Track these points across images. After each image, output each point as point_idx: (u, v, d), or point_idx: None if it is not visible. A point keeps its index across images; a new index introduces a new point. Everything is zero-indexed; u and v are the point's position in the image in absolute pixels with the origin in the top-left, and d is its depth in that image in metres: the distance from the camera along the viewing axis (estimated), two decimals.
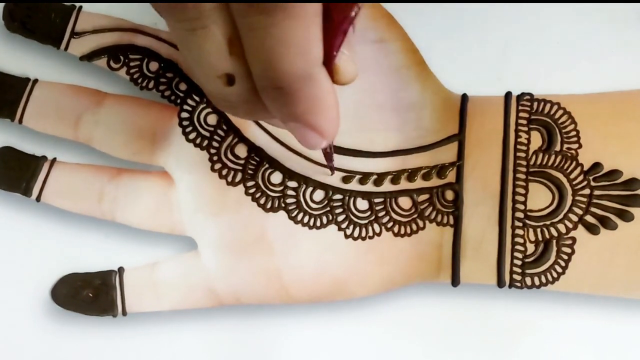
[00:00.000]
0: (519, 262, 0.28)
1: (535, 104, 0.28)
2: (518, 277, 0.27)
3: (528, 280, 0.27)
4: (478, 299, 0.29)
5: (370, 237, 0.28)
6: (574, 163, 0.28)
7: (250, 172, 0.29)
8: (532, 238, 0.28)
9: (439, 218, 0.28)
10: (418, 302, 0.29)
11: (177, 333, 0.30)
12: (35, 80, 0.31)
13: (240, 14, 0.18)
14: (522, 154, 0.28)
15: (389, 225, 0.28)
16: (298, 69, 0.19)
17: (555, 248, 0.27)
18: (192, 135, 0.29)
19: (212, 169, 0.29)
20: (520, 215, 0.28)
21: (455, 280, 0.28)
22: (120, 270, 0.29)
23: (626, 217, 0.27)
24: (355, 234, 0.28)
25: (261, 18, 0.18)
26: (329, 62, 0.19)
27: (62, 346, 0.30)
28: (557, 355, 0.29)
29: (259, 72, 0.19)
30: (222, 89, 0.21)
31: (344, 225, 0.28)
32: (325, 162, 0.28)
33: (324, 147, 0.21)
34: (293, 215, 0.28)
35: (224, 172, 0.29)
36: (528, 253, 0.28)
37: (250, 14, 0.18)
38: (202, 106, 0.29)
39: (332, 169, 0.28)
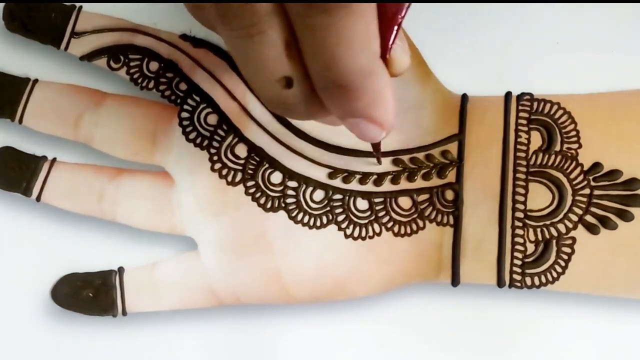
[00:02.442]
0: (519, 262, 0.27)
1: (535, 104, 0.28)
2: (518, 277, 0.27)
3: (528, 280, 0.27)
4: (478, 299, 0.29)
5: (370, 237, 0.28)
6: (574, 163, 0.28)
7: (250, 172, 0.29)
8: (532, 238, 0.28)
9: (439, 218, 0.28)
10: (418, 302, 0.29)
11: (177, 333, 0.30)
12: (36, 80, 0.31)
13: (300, 15, 0.18)
14: (522, 154, 0.28)
15: (389, 225, 0.28)
16: (361, 65, 0.19)
17: (555, 248, 0.27)
18: (192, 135, 0.29)
19: (212, 169, 0.29)
20: (520, 215, 0.28)
21: (455, 280, 0.28)
22: (120, 270, 0.29)
23: (626, 217, 0.27)
24: (355, 233, 0.28)
25: (322, 18, 0.18)
26: (384, 55, 0.20)
27: (62, 346, 0.30)
28: (557, 355, 0.29)
29: (319, 72, 0.19)
30: (280, 93, 0.20)
31: (344, 225, 0.28)
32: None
33: (383, 138, 0.21)
34: (293, 215, 0.28)
35: (224, 172, 0.29)
36: (528, 253, 0.28)
37: (310, 15, 0.18)
38: (202, 106, 0.29)
39: (380, 159, 0.28)
